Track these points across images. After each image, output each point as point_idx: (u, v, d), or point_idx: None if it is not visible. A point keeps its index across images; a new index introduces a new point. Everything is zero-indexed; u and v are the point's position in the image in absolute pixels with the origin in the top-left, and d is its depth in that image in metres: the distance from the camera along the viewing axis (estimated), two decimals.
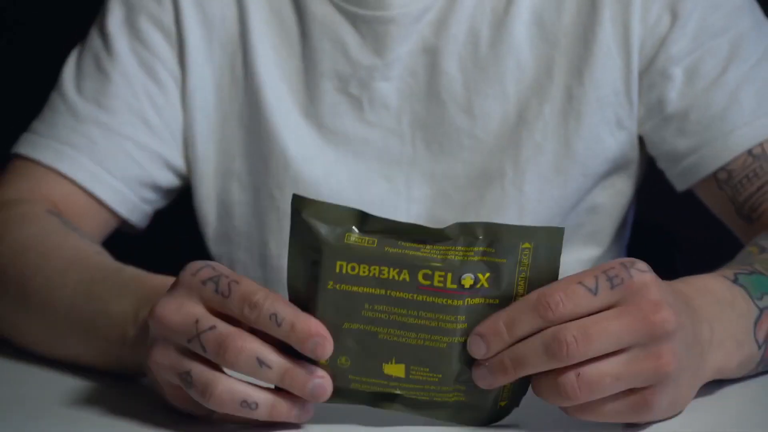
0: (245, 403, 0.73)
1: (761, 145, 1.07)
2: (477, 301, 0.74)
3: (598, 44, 1.09)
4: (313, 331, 0.72)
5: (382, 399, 0.76)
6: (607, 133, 1.11)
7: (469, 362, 0.74)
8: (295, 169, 1.14)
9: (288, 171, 1.14)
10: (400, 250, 0.73)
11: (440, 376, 0.75)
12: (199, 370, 0.73)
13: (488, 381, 0.74)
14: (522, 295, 0.74)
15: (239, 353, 0.72)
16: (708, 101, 1.08)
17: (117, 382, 0.88)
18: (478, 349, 0.74)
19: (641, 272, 0.73)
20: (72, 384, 0.88)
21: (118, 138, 1.13)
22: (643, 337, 0.72)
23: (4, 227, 1.04)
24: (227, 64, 1.16)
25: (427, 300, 0.73)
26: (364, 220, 0.74)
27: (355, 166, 1.14)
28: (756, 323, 0.82)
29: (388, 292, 0.73)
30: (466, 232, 0.74)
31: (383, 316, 0.73)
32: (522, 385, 0.76)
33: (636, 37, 1.09)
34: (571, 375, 0.71)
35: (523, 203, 1.11)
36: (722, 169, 1.09)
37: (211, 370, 0.73)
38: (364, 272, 0.73)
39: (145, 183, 1.15)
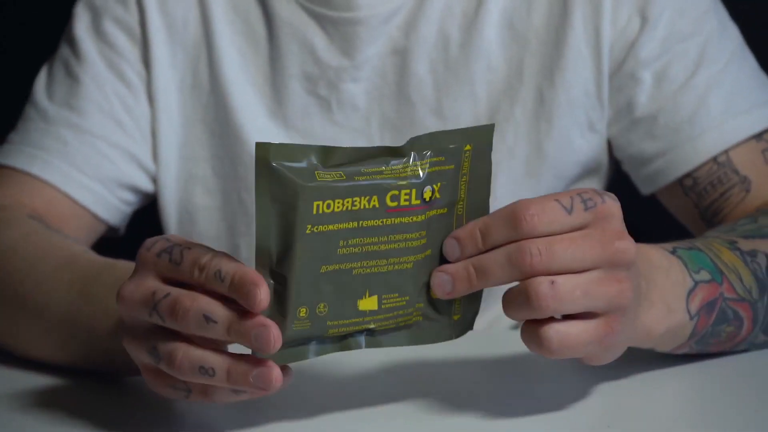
0: (203, 369, 0.72)
1: (726, 152, 1.08)
2: (432, 213, 0.75)
3: (568, 46, 1.09)
4: (248, 279, 0.71)
5: (351, 341, 0.75)
6: (578, 136, 1.12)
7: (428, 277, 0.75)
8: None
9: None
10: (367, 177, 0.72)
11: (407, 298, 0.75)
12: (162, 341, 0.73)
13: (447, 288, 0.75)
14: (463, 200, 0.76)
15: (187, 312, 0.72)
16: (676, 105, 1.09)
17: (111, 385, 0.88)
18: (452, 252, 0.75)
19: (612, 200, 0.75)
20: (65, 387, 0.88)
21: (89, 138, 1.13)
22: (605, 261, 0.74)
23: None
24: (189, 66, 1.16)
25: (395, 222, 0.73)
26: (326, 154, 0.72)
27: None
28: (689, 293, 0.83)
29: (360, 223, 0.72)
30: (417, 145, 0.74)
31: (357, 250, 0.73)
32: (473, 301, 0.77)
33: (606, 39, 1.09)
34: (545, 282, 0.72)
35: (495, 206, 1.10)
36: (688, 175, 1.10)
37: (173, 341, 0.73)
38: (338, 207, 0.71)
39: (121, 183, 1.14)
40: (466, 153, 0.75)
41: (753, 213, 1.04)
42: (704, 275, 0.85)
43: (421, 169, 0.74)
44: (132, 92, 1.15)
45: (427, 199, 0.74)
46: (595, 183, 1.15)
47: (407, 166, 0.73)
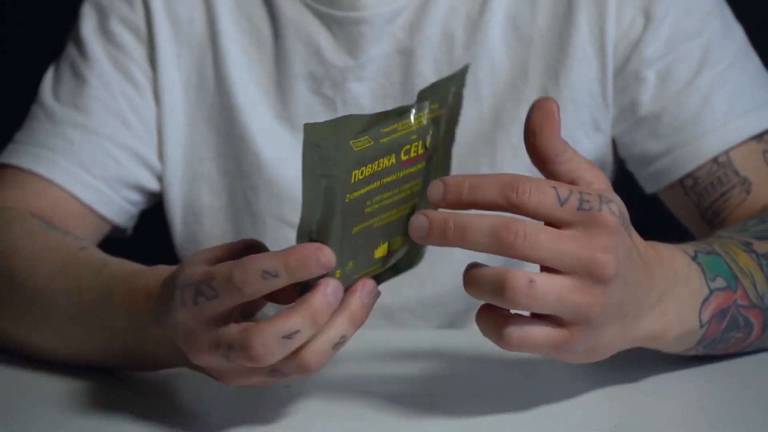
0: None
1: (727, 153, 1.08)
2: (427, 157, 0.76)
3: (573, 46, 1.10)
4: (305, 251, 0.69)
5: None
6: (583, 135, 1.12)
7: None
8: (269, 172, 1.14)
9: (262, 173, 1.14)
10: (387, 138, 0.74)
11: (404, 239, 0.77)
12: (221, 331, 0.72)
13: (422, 233, 0.72)
14: (444, 139, 0.77)
15: (264, 348, 0.70)
16: (680, 104, 1.09)
17: (115, 381, 0.88)
18: (436, 192, 0.72)
19: (611, 213, 0.73)
20: (68, 384, 0.88)
21: (95, 138, 1.13)
22: (582, 269, 0.72)
23: None
24: (195, 66, 1.16)
25: (407, 173, 0.75)
26: (354, 123, 0.73)
27: None
28: (703, 303, 0.83)
29: (381, 181, 0.74)
30: (423, 96, 0.76)
31: (377, 206, 0.74)
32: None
33: (611, 39, 1.09)
34: (524, 279, 0.71)
35: None
36: (689, 176, 1.10)
37: (237, 329, 0.71)
38: (368, 172, 0.73)
39: (127, 183, 1.14)
40: (452, 96, 0.77)
41: (759, 213, 1.04)
42: (720, 283, 0.84)
43: (426, 118, 0.75)
44: (138, 92, 1.15)
45: (428, 147, 0.75)
46: None
47: (417, 117, 0.75)
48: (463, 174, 0.73)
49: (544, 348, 0.74)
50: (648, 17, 1.09)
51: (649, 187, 1.13)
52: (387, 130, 0.74)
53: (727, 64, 1.10)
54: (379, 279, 0.78)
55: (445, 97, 0.77)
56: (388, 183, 0.74)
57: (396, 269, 0.80)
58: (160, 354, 0.82)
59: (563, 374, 0.88)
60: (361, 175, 0.73)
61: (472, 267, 0.73)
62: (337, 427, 0.78)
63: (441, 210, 0.73)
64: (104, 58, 1.15)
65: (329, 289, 0.71)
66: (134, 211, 1.17)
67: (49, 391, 0.87)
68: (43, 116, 1.14)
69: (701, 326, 0.83)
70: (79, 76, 1.15)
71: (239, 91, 1.14)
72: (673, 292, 0.80)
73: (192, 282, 0.72)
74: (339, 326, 0.72)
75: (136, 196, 1.16)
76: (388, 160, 0.74)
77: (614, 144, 1.14)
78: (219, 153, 1.16)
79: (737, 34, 1.13)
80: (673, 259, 0.82)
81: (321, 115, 1.13)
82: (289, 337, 0.70)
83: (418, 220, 0.72)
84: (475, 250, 0.72)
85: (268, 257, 0.70)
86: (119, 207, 1.14)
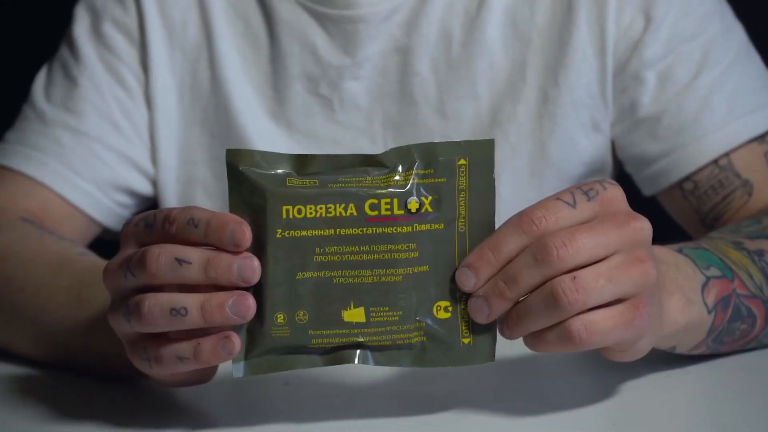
0: (174, 311, 0.70)
1: (728, 155, 1.08)
2: (424, 227, 0.73)
3: (573, 46, 1.09)
4: (228, 219, 0.71)
5: (344, 354, 0.74)
6: (582, 136, 1.11)
7: (427, 296, 0.74)
8: None
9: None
10: (342, 185, 0.72)
11: (400, 313, 0.74)
12: (133, 298, 0.72)
13: (485, 311, 0.73)
14: (464, 216, 0.74)
15: (158, 259, 0.71)
16: (680, 106, 1.08)
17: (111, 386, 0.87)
18: (467, 280, 0.73)
19: (613, 185, 0.75)
20: (65, 387, 0.88)
21: (86, 140, 1.12)
22: (624, 243, 0.73)
23: None
24: (189, 69, 1.15)
25: (377, 231, 0.72)
26: (301, 162, 0.73)
27: None
28: (704, 287, 0.83)
29: (338, 231, 0.72)
30: (403, 156, 0.74)
31: (336, 258, 0.72)
32: (487, 324, 0.74)
33: (611, 39, 1.09)
34: (566, 278, 0.71)
35: (498, 205, 1.10)
36: (689, 179, 1.09)
37: (142, 294, 0.72)
38: (311, 213, 0.72)
39: (117, 186, 1.14)
40: (461, 168, 0.74)
41: (756, 214, 1.04)
42: (714, 271, 0.84)
43: (406, 179, 0.73)
44: (130, 96, 1.14)
45: (413, 210, 0.73)
46: None
47: (390, 176, 0.73)
48: (476, 248, 0.73)
49: (616, 331, 0.73)
50: (648, 18, 1.08)
51: (648, 189, 1.13)
52: (347, 179, 0.73)
53: (727, 65, 1.09)
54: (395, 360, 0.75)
55: (446, 165, 0.74)
56: (349, 236, 0.72)
57: (423, 359, 0.75)
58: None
59: (560, 374, 0.88)
60: (299, 213, 0.72)
61: (517, 306, 0.73)
62: (334, 427, 0.78)
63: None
64: (96, 60, 1.14)
65: (234, 298, 0.70)
66: (125, 213, 1.16)
67: (44, 389, 0.87)
68: (33, 117, 1.14)
69: (708, 312, 0.83)
70: (70, 78, 1.14)
71: (235, 93, 1.14)
72: (667, 274, 0.80)
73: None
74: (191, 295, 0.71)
75: (126, 199, 1.15)
76: (344, 209, 0.72)
77: (613, 145, 1.13)
78: (213, 156, 1.15)
79: (738, 34, 1.12)
80: (655, 251, 0.81)
81: (318, 116, 1.13)
82: (179, 262, 0.70)
83: (475, 304, 0.73)
84: (533, 288, 0.72)
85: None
86: (108, 209, 1.14)
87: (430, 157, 0.74)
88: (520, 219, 0.72)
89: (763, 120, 1.09)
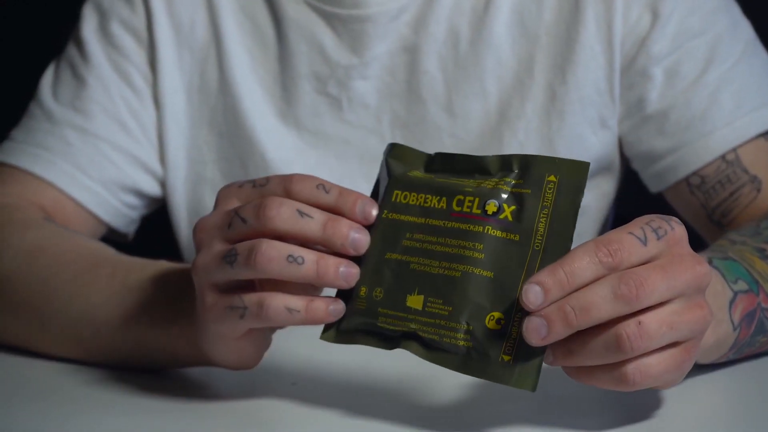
0: (291, 258, 0.73)
1: (735, 150, 1.08)
2: (498, 233, 0.73)
3: (581, 43, 1.09)
4: (360, 194, 0.75)
5: (398, 340, 0.75)
6: (590, 133, 1.11)
7: (484, 303, 0.72)
8: (274, 173, 1.13)
9: (268, 175, 1.13)
10: (446, 180, 0.76)
11: (450, 308, 0.73)
12: (242, 243, 0.73)
13: (543, 332, 0.69)
14: (542, 234, 0.72)
15: (280, 206, 0.73)
16: (688, 102, 1.08)
17: (117, 375, 0.87)
18: (535, 298, 0.69)
19: (679, 225, 0.73)
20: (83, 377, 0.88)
21: (93, 140, 1.12)
22: (689, 288, 0.71)
23: (3, 231, 1.01)
24: (197, 69, 1.15)
25: (455, 226, 0.74)
26: (432, 159, 0.78)
27: (335, 167, 1.13)
28: (731, 304, 0.82)
29: (427, 220, 0.75)
30: (506, 163, 0.75)
31: (418, 245, 0.75)
32: (530, 348, 0.71)
33: (618, 36, 1.09)
34: (632, 323, 0.69)
35: None
36: (696, 174, 1.09)
37: (252, 240, 0.73)
38: (412, 200, 0.76)
39: (124, 186, 1.14)
40: (550, 184, 0.73)
41: None
42: (742, 285, 0.83)
43: (497, 184, 0.74)
44: (137, 96, 1.14)
45: (489, 212, 0.73)
46: (608, 180, 1.15)
47: (486, 180, 0.75)
48: (548, 267, 0.70)
49: (667, 374, 0.72)
50: (655, 14, 1.08)
51: (654, 186, 1.13)
52: (454, 177, 0.75)
53: (735, 61, 1.09)
54: (431, 357, 0.74)
55: (536, 178, 0.73)
56: (434, 227, 0.74)
57: (466, 365, 0.73)
58: (178, 347, 0.83)
59: (555, 376, 0.87)
60: (404, 199, 0.76)
61: (572, 342, 0.70)
62: (333, 427, 0.78)
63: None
64: (104, 60, 1.14)
65: (346, 263, 0.74)
66: (133, 214, 1.16)
67: (47, 386, 0.87)
68: (41, 115, 1.14)
69: (734, 329, 0.82)
70: (78, 78, 1.14)
71: (243, 93, 1.14)
72: None
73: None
74: (309, 259, 0.73)
75: (134, 200, 1.15)
76: (438, 201, 0.75)
77: (620, 142, 1.13)
78: (222, 156, 1.15)
79: (745, 30, 1.12)
80: None
81: (326, 115, 1.13)
82: (301, 215, 0.73)
83: (533, 323, 0.69)
84: (601, 321, 0.69)
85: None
86: (116, 210, 1.14)
87: (524, 168, 0.74)
88: (597, 248, 0.70)
89: None
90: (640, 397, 0.80)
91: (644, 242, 0.71)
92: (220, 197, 0.77)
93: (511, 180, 0.74)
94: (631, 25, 1.09)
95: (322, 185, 0.75)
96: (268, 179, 0.75)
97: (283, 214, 0.73)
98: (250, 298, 0.74)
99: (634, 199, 1.21)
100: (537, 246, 0.72)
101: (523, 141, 1.10)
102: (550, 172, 0.73)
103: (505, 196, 0.73)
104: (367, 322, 0.75)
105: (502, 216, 0.73)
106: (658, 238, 0.71)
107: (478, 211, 0.73)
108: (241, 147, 1.14)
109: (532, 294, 0.69)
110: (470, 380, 0.85)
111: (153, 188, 1.16)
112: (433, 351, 0.74)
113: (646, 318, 0.69)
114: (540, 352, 0.71)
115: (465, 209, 0.74)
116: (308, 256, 0.73)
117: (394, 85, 1.12)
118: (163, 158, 1.15)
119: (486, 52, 1.10)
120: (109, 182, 1.13)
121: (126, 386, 0.85)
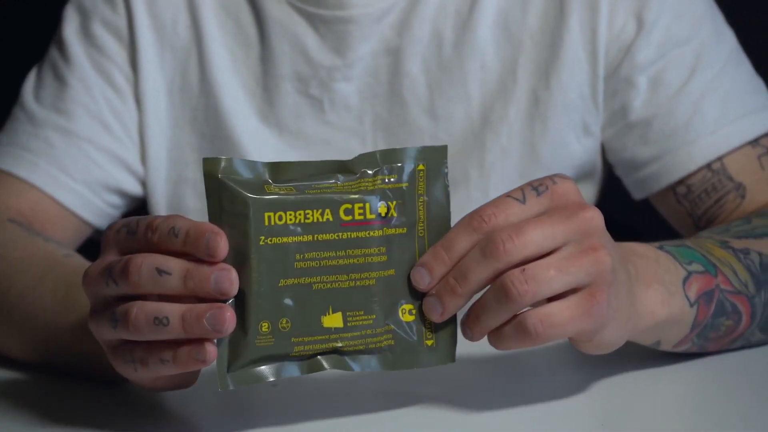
0: (157, 320, 0.70)
1: (720, 159, 1.08)
2: (391, 231, 0.75)
3: (565, 49, 1.09)
4: (205, 228, 0.70)
5: (322, 361, 0.75)
6: (573, 139, 1.11)
7: (394, 299, 0.75)
8: None
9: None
10: (317, 191, 0.73)
11: (374, 317, 0.75)
12: (120, 307, 0.72)
13: (438, 308, 0.74)
14: (423, 220, 0.76)
15: (140, 269, 0.70)
16: (672, 110, 1.08)
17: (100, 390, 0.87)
18: (421, 279, 0.74)
19: (563, 179, 0.75)
20: (46, 388, 0.88)
21: (76, 140, 1.12)
22: (574, 233, 0.73)
23: None
24: (178, 69, 1.15)
25: (351, 236, 0.74)
26: (275, 170, 0.74)
27: None
28: (685, 281, 0.83)
29: (315, 236, 0.73)
30: (369, 162, 0.75)
31: (314, 264, 0.73)
32: (444, 325, 0.76)
33: (602, 42, 1.09)
34: (515, 271, 0.72)
35: None
36: (681, 183, 1.09)
37: (129, 303, 0.72)
38: (290, 220, 0.72)
39: (108, 186, 1.13)
40: (420, 173, 0.76)
41: (747, 215, 1.04)
42: (697, 267, 0.85)
43: (374, 184, 0.75)
44: (119, 96, 1.14)
45: (383, 215, 0.74)
46: (590, 186, 1.15)
47: (360, 181, 0.74)
48: (430, 249, 0.74)
49: (574, 322, 0.73)
50: (640, 21, 1.08)
51: (637, 193, 1.13)
52: (320, 185, 0.74)
53: (719, 69, 1.09)
54: (360, 364, 0.75)
55: (407, 171, 0.76)
56: (325, 242, 0.73)
57: (391, 362, 0.76)
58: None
59: (549, 373, 0.88)
60: (279, 220, 0.72)
61: (473, 306, 0.74)
62: (330, 427, 0.78)
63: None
64: (86, 61, 1.14)
65: (212, 311, 0.70)
66: (115, 214, 1.16)
67: (30, 390, 0.87)
68: (24, 118, 1.14)
69: (690, 305, 0.83)
70: (60, 79, 1.14)
71: (225, 94, 1.13)
72: (644, 266, 0.81)
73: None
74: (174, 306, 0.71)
75: (117, 200, 1.15)
76: (321, 214, 0.73)
77: (603, 148, 1.13)
78: (203, 156, 1.14)
79: (728, 38, 1.12)
80: (629, 245, 0.82)
81: (308, 116, 1.12)
82: (159, 272, 0.70)
83: (428, 303, 0.75)
84: (482, 283, 0.73)
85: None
86: (100, 210, 1.13)
87: (393, 163, 0.75)
88: (471, 218, 0.73)
89: (755, 124, 1.08)
90: (634, 395, 0.82)
91: (523, 201, 0.74)
92: (104, 242, 0.75)
93: (385, 176, 0.75)
94: (616, 32, 1.08)
95: (173, 229, 0.71)
96: (137, 223, 0.73)
97: (143, 275, 0.71)
98: (135, 353, 0.73)
99: (620, 205, 1.21)
100: (421, 233, 0.76)
101: (505, 145, 1.10)
102: (419, 162, 0.76)
103: (389, 194, 0.75)
104: (279, 355, 0.73)
105: (389, 214, 0.75)
106: (539, 195, 0.74)
107: (372, 216, 0.74)
108: (222, 148, 1.14)
109: (419, 276, 0.74)
110: (453, 378, 0.86)
111: (135, 188, 1.16)
112: (357, 360, 0.75)
113: (531, 264, 0.72)
114: (452, 323, 0.76)
115: (357, 217, 0.74)
116: (173, 314, 0.70)
117: (377, 87, 1.11)
118: (144, 158, 1.15)
119: (469, 56, 1.10)
120: (93, 183, 1.12)
121: (104, 390, 0.86)
